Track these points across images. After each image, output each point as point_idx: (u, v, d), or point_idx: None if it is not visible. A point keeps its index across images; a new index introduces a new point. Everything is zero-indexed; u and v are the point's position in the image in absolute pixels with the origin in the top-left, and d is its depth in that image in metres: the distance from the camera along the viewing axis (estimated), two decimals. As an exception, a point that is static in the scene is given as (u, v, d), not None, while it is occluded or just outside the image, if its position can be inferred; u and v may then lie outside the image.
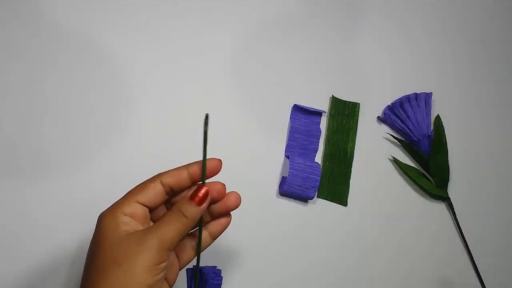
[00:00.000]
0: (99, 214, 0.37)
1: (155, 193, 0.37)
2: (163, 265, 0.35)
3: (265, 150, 0.54)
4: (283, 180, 0.52)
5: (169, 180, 0.38)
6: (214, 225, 0.41)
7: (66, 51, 0.53)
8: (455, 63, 0.60)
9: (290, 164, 0.51)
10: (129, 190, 0.38)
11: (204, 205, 0.37)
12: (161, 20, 0.55)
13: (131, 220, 0.36)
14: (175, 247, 0.40)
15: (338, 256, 0.52)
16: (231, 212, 0.41)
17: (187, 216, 0.37)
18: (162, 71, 0.54)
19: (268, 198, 0.52)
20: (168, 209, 0.40)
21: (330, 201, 0.53)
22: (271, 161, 0.53)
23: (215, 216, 0.41)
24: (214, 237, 0.41)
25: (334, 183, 0.54)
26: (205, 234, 0.41)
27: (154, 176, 0.38)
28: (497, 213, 0.56)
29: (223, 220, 0.41)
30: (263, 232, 0.51)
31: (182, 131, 0.53)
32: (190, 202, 0.37)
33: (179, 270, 0.41)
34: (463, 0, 0.62)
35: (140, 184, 0.38)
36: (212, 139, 0.53)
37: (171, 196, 0.39)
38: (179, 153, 0.52)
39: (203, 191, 0.37)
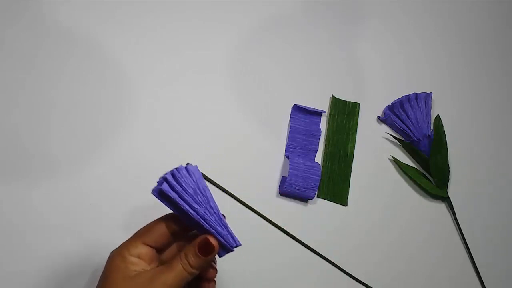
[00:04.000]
0: (110, 252, 0.38)
1: (159, 234, 0.39)
2: None
3: (265, 150, 0.54)
4: (283, 180, 0.52)
5: (173, 224, 0.39)
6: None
7: (72, 53, 0.53)
8: (455, 63, 0.60)
9: (290, 164, 0.51)
10: (136, 231, 0.39)
11: (211, 256, 0.38)
12: (162, 21, 0.55)
13: (139, 260, 0.38)
14: None
15: (338, 256, 0.52)
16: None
17: (192, 266, 0.38)
18: (163, 71, 0.54)
19: (268, 198, 0.52)
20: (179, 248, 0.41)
21: (330, 201, 0.53)
22: (271, 161, 0.53)
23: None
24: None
25: (334, 183, 0.54)
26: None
27: (159, 218, 0.39)
28: (497, 213, 0.56)
29: (211, 272, 0.41)
30: (263, 232, 0.51)
31: (183, 131, 0.52)
32: (197, 253, 0.38)
33: None
34: (464, 0, 0.62)
35: (146, 225, 0.39)
36: (212, 140, 0.53)
37: (178, 236, 0.40)
38: (182, 152, 0.52)
39: (210, 243, 0.38)
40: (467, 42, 0.61)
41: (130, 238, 0.39)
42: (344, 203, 0.54)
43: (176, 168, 0.38)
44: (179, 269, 0.37)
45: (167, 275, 0.37)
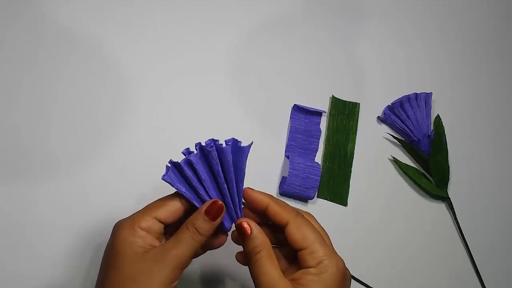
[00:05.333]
0: (116, 223, 0.38)
1: (174, 210, 0.38)
2: (175, 283, 0.36)
3: (265, 150, 0.54)
4: (283, 180, 0.52)
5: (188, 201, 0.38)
6: (212, 241, 0.41)
7: (72, 53, 0.53)
8: (455, 63, 0.60)
9: (290, 164, 0.51)
10: (148, 204, 0.38)
11: (218, 220, 0.38)
12: (162, 21, 0.55)
13: (147, 235, 0.37)
14: None
15: (338, 256, 0.52)
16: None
17: (201, 233, 0.37)
18: (163, 71, 0.54)
19: (268, 198, 0.52)
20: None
21: (330, 201, 0.53)
22: (271, 161, 0.53)
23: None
24: (206, 250, 0.41)
25: (334, 183, 0.54)
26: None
27: (174, 193, 0.39)
28: (497, 213, 0.56)
29: (221, 238, 0.41)
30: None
31: (183, 131, 0.52)
32: (205, 217, 0.37)
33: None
34: (464, 0, 0.62)
35: (160, 199, 0.39)
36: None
37: (189, 214, 0.39)
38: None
39: (217, 206, 0.38)
40: (467, 42, 0.61)
41: (141, 210, 0.38)
42: (344, 203, 0.54)
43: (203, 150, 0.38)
44: (188, 239, 0.36)
45: (177, 249, 0.36)
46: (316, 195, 0.53)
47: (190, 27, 0.56)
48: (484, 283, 0.53)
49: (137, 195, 0.49)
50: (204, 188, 0.38)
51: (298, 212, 0.39)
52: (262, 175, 0.53)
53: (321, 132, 0.55)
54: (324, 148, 0.55)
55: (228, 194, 0.38)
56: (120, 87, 0.53)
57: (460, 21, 0.62)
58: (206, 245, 0.41)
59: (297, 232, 0.38)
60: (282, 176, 0.53)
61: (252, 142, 0.39)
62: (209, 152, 0.38)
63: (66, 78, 0.52)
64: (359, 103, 0.56)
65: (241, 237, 0.38)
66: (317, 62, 0.57)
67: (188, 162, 0.38)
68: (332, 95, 0.56)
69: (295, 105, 0.55)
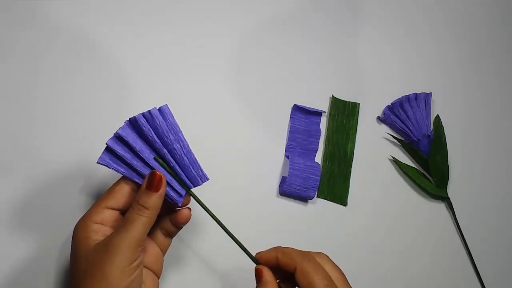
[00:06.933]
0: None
1: (122, 194, 0.38)
2: (135, 263, 0.36)
3: (265, 150, 0.54)
4: (283, 180, 0.52)
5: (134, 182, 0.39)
6: (177, 216, 0.41)
7: (59, 47, 0.52)
8: (455, 63, 0.60)
9: (290, 164, 0.51)
10: (98, 197, 0.39)
11: (162, 189, 0.38)
12: (161, 19, 0.55)
13: (101, 226, 0.37)
14: (151, 237, 0.41)
15: (338, 256, 0.52)
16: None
17: (148, 207, 0.37)
18: (161, 70, 0.54)
19: (268, 198, 0.52)
20: None
21: (330, 201, 0.53)
22: (271, 161, 0.53)
23: (165, 229, 0.42)
24: (178, 227, 0.42)
25: (334, 183, 0.54)
26: (168, 225, 0.42)
27: (120, 178, 0.39)
28: (497, 213, 0.56)
29: (184, 212, 0.41)
30: (263, 232, 0.51)
31: (183, 131, 0.52)
32: (147, 191, 0.37)
33: (163, 256, 0.42)
34: (464, 0, 0.62)
35: (108, 189, 0.39)
36: (212, 140, 0.53)
37: None
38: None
39: (156, 176, 0.38)
40: (468, 42, 0.61)
41: (93, 204, 0.38)
42: (344, 203, 0.54)
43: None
44: (135, 217, 0.36)
45: (125, 230, 0.36)
46: (316, 195, 0.53)
47: (190, 27, 0.56)
48: (484, 283, 0.53)
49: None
50: (143, 160, 0.38)
51: (305, 256, 0.38)
52: (262, 175, 0.53)
53: (321, 132, 0.55)
54: (324, 148, 0.55)
55: (171, 158, 0.38)
56: (113, 86, 0.52)
57: (460, 21, 0.62)
58: (173, 222, 0.41)
59: (303, 279, 0.37)
60: (282, 176, 0.53)
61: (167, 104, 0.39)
62: (136, 120, 0.37)
63: (56, 74, 0.52)
64: (359, 103, 0.56)
65: (256, 279, 0.39)
66: (317, 62, 0.57)
67: (118, 137, 0.38)
68: (332, 95, 0.56)
69: (295, 105, 0.55)
